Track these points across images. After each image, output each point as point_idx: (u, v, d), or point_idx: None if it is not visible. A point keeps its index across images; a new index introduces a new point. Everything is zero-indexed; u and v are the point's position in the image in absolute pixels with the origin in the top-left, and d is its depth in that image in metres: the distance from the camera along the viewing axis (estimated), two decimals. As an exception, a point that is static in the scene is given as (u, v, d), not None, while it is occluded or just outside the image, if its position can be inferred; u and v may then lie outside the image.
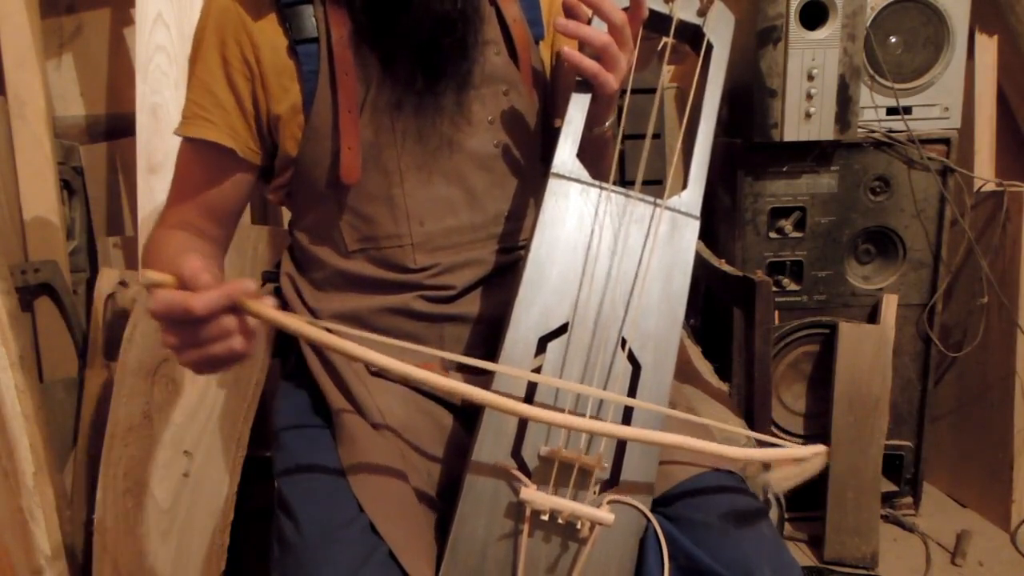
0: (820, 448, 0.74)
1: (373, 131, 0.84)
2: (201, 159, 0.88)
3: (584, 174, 0.78)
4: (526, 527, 0.71)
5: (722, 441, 1.10)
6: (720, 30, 0.82)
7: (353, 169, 0.84)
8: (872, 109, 1.60)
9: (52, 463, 1.34)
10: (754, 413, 1.33)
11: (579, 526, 0.71)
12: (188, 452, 1.32)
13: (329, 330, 0.66)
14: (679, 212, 0.79)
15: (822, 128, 1.53)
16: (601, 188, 0.78)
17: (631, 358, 0.75)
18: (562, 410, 0.72)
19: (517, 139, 0.91)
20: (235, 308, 0.62)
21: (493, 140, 0.89)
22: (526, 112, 0.91)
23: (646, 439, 0.70)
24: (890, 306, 1.66)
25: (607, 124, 0.87)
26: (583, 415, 0.72)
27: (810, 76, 1.50)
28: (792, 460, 0.75)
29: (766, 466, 0.77)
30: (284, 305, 0.93)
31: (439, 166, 0.87)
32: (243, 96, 0.86)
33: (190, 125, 0.87)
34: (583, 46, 0.78)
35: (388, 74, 0.83)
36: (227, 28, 0.84)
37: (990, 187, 1.72)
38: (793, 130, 1.53)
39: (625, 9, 0.77)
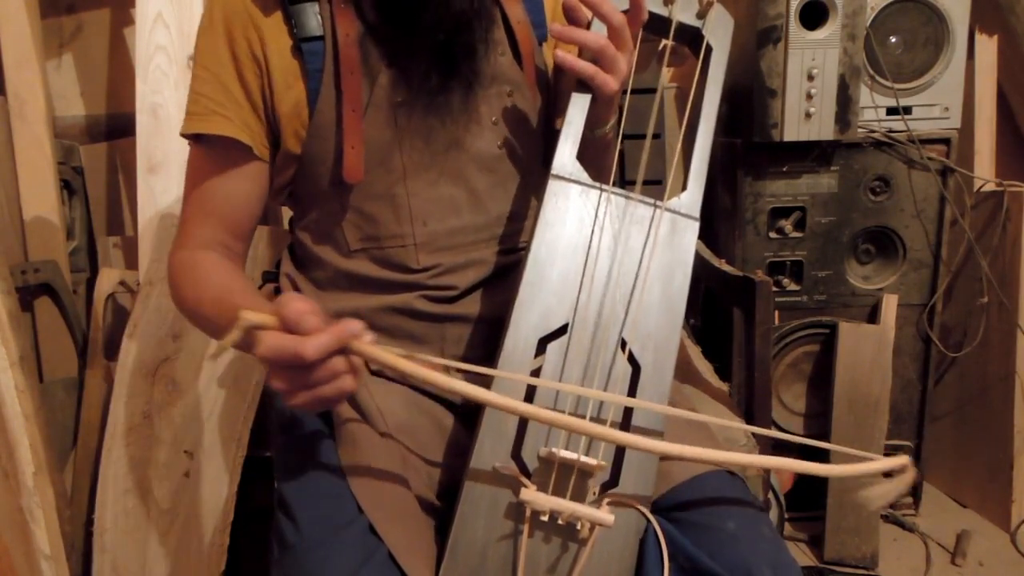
0: (904, 460, 0.71)
1: (377, 130, 0.84)
2: (216, 160, 0.86)
3: (584, 175, 0.78)
4: (526, 528, 0.71)
5: (724, 441, 1.11)
6: (719, 32, 0.83)
7: (356, 168, 0.83)
8: (872, 109, 1.60)
9: (52, 463, 1.34)
10: (754, 413, 1.33)
11: (579, 527, 0.71)
12: (188, 452, 1.32)
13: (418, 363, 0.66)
14: (679, 214, 0.79)
15: (822, 128, 1.53)
16: (601, 189, 0.78)
17: (631, 359, 0.75)
18: (562, 411, 0.72)
19: (520, 140, 0.90)
20: (343, 348, 0.63)
21: (497, 141, 0.89)
22: (529, 113, 0.91)
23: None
24: (890, 306, 1.66)
25: (608, 126, 0.87)
26: (583, 416, 0.72)
27: (810, 76, 1.50)
28: (878, 474, 0.71)
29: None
30: None
31: (444, 166, 0.86)
32: (253, 92, 0.84)
33: (204, 121, 0.84)
34: (582, 49, 0.78)
35: (397, 73, 0.83)
36: (235, 22, 0.83)
37: (990, 187, 1.72)
38: (793, 130, 1.53)
39: (625, 11, 0.77)
